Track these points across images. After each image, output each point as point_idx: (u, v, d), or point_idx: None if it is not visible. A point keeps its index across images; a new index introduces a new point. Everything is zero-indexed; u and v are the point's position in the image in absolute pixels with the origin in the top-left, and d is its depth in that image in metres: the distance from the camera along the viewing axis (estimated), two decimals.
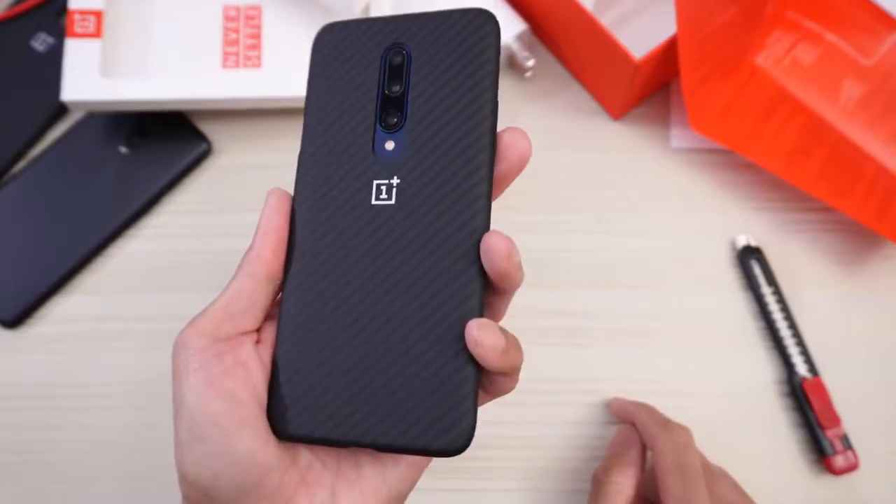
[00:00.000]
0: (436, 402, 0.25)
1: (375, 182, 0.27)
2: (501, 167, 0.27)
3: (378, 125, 0.28)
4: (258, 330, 0.28)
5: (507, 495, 0.42)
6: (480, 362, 0.25)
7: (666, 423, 0.38)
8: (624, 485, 0.37)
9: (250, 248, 0.28)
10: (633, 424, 0.40)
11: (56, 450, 0.43)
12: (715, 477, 0.38)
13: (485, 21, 0.27)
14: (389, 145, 0.27)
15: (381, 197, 0.27)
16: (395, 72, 0.28)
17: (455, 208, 0.26)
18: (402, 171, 0.27)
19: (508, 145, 0.27)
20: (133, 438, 0.43)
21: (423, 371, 0.26)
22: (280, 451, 0.26)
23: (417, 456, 0.28)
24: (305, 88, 0.29)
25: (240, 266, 0.28)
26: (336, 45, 0.29)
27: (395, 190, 0.27)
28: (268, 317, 0.28)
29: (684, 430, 0.38)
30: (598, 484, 0.38)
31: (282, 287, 0.28)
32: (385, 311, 0.26)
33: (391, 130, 0.27)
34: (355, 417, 0.26)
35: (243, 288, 0.27)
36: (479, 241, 0.26)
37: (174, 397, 0.26)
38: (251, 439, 0.25)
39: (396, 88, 0.28)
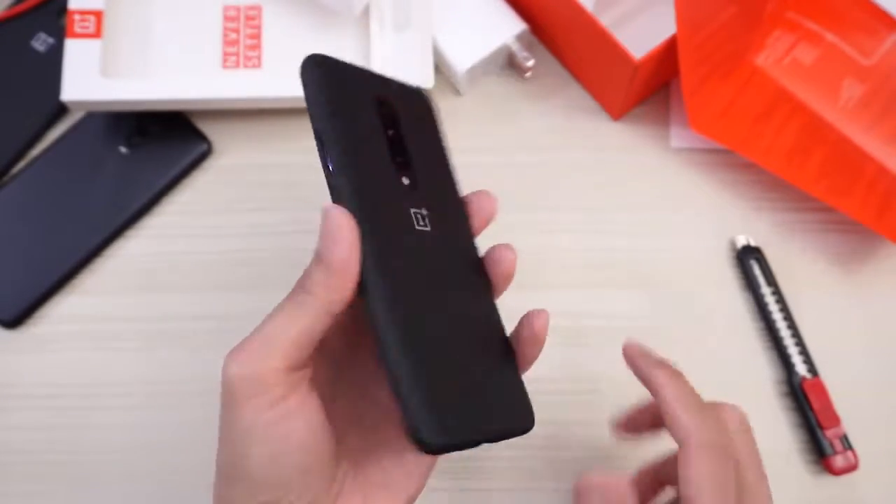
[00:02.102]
0: (513, 393, 0.30)
1: (412, 210, 0.29)
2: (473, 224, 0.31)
3: (392, 163, 0.30)
4: None
5: (507, 495, 0.42)
6: (531, 352, 0.30)
7: (703, 410, 0.30)
8: None
9: (317, 279, 0.27)
10: (654, 396, 0.32)
11: (56, 450, 0.43)
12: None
13: (427, 98, 0.33)
14: (405, 181, 0.30)
15: (421, 224, 0.30)
16: (389, 120, 0.30)
17: (462, 233, 0.31)
18: (424, 203, 0.30)
19: (478, 208, 0.31)
20: (133, 438, 0.43)
21: (494, 370, 0.30)
22: (333, 467, 0.28)
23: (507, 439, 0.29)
24: (316, 109, 0.29)
25: (305, 295, 0.27)
26: (333, 78, 0.30)
27: (427, 218, 0.30)
28: None
29: (721, 425, 0.31)
30: None
31: (371, 313, 0.27)
32: (460, 325, 0.29)
33: (401, 169, 0.30)
34: (477, 419, 0.28)
35: (319, 324, 0.27)
36: (479, 260, 0.31)
37: (239, 424, 0.26)
38: (320, 464, 0.27)
39: (393, 132, 0.30)
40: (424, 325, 0.28)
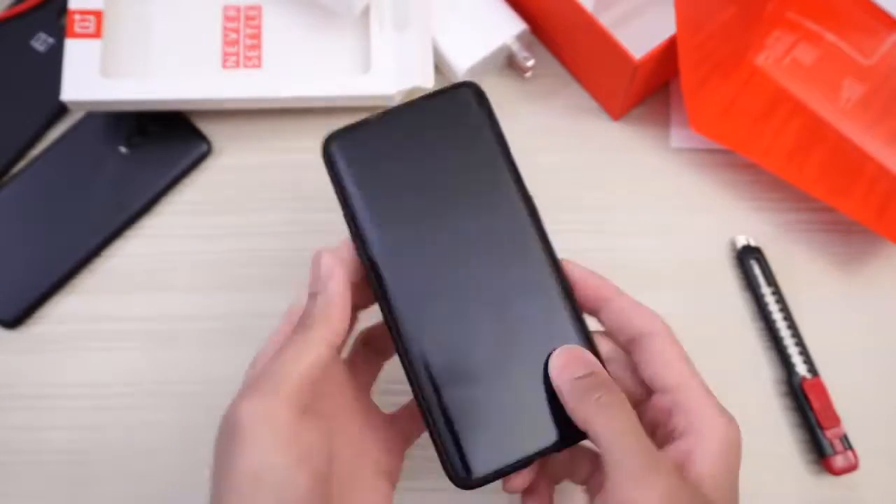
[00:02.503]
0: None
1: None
2: None
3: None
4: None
5: (506, 495, 0.42)
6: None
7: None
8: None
9: (317, 314, 0.28)
10: (604, 305, 0.32)
11: (55, 450, 0.43)
12: None
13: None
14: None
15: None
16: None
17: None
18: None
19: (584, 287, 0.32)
20: (133, 438, 0.43)
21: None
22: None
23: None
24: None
25: (308, 330, 0.28)
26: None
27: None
28: None
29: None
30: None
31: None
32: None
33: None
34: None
35: (323, 358, 0.28)
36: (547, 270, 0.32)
37: (249, 464, 0.25)
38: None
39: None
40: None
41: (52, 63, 0.47)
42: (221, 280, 0.46)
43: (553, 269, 0.31)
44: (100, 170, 0.47)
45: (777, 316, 0.44)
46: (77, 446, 0.43)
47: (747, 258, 0.45)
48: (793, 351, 0.43)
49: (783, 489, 0.42)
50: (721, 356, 0.44)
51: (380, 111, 0.32)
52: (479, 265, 0.30)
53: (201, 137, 0.48)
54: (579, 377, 0.29)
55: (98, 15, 0.45)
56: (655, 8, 0.48)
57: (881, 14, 0.47)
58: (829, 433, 0.41)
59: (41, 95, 0.48)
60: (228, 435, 0.26)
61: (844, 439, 0.42)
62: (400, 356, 0.30)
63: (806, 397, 0.42)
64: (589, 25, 0.43)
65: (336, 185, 0.31)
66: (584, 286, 0.32)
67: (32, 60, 0.49)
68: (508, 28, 0.47)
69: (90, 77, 0.44)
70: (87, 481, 0.43)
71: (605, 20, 0.44)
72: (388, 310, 0.30)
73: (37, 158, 0.48)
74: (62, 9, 0.49)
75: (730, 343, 0.44)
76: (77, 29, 0.45)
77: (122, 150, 0.48)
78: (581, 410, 0.28)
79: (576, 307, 0.31)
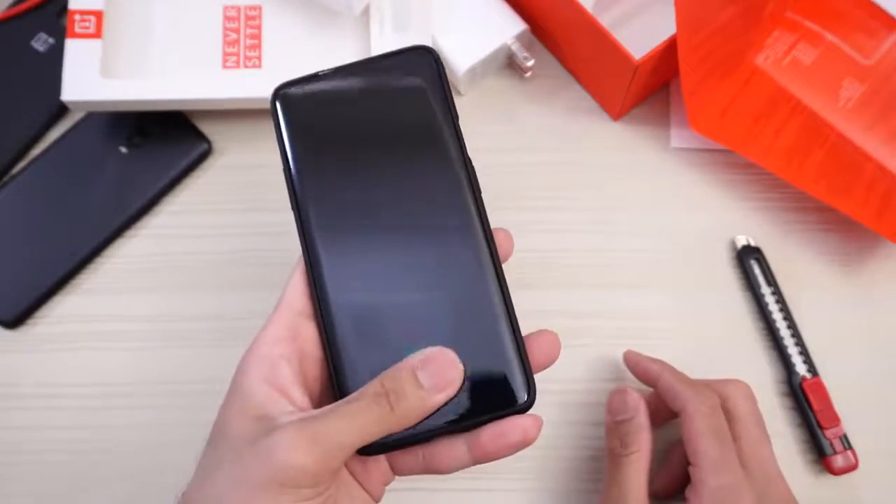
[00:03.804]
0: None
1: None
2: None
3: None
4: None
5: (508, 495, 0.42)
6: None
7: (695, 385, 0.37)
8: (643, 451, 0.36)
9: (424, 408, 0.28)
10: (654, 384, 0.39)
11: (56, 450, 0.43)
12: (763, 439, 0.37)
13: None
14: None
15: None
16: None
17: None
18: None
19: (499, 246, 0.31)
20: (133, 438, 0.43)
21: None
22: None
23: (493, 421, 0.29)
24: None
25: (393, 414, 0.28)
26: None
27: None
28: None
29: (713, 393, 0.37)
30: (615, 457, 0.37)
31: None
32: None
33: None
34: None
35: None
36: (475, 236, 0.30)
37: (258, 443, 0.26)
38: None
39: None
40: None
41: (53, 63, 0.47)
42: (221, 280, 0.46)
43: (485, 245, 0.30)
44: (100, 170, 0.47)
45: (777, 316, 0.44)
46: (77, 446, 0.43)
47: (747, 258, 0.45)
48: (793, 351, 0.43)
49: None
50: (721, 356, 0.44)
51: (333, 67, 0.32)
52: (407, 230, 0.30)
53: (201, 137, 0.48)
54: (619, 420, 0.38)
55: (98, 15, 0.45)
56: (655, 8, 0.48)
57: (881, 14, 0.47)
58: (828, 433, 0.42)
59: (41, 95, 0.48)
60: (260, 466, 0.26)
61: (844, 439, 0.42)
62: (315, 315, 0.30)
63: (806, 397, 0.42)
64: (589, 25, 0.43)
65: (278, 135, 0.31)
66: (638, 370, 0.41)
67: (33, 60, 0.49)
68: (508, 28, 0.47)
69: (90, 77, 0.44)
70: (87, 481, 0.43)
71: (605, 20, 0.44)
72: (308, 267, 0.31)
73: (37, 158, 0.48)
74: (62, 9, 0.49)
75: (730, 343, 0.45)
76: (77, 29, 0.45)
77: (122, 150, 0.48)
78: (610, 448, 0.38)
79: (505, 288, 0.30)
